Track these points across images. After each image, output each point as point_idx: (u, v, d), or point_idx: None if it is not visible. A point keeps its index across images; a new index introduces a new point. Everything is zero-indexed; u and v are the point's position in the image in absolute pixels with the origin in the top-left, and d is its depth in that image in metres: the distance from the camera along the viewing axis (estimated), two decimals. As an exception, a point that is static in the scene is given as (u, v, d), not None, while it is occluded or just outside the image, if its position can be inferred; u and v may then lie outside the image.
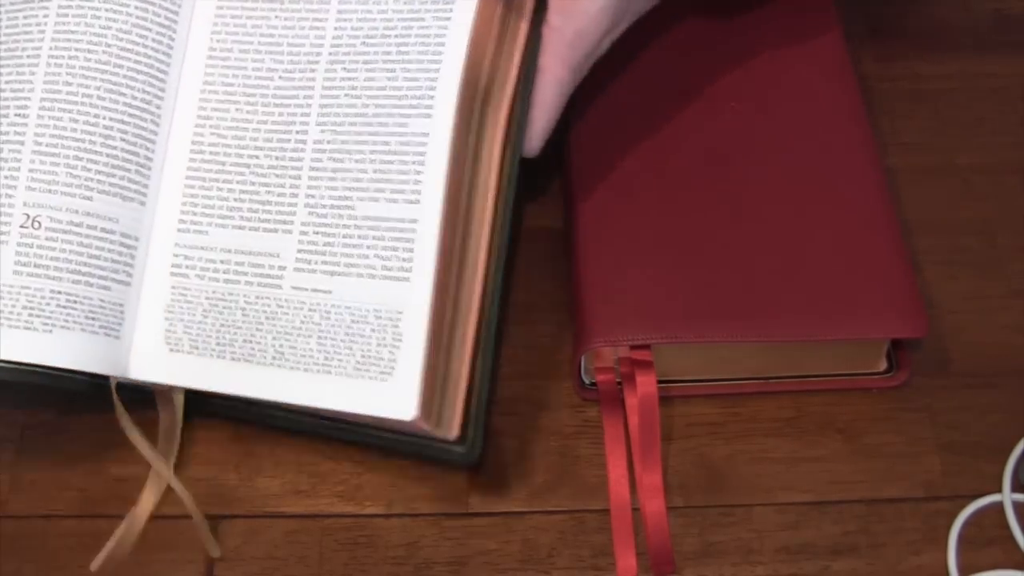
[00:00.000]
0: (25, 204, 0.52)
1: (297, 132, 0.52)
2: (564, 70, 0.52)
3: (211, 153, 0.53)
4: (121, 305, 0.52)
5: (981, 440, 0.54)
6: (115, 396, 0.51)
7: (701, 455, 0.54)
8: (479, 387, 0.50)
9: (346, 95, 0.52)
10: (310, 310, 0.50)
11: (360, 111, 0.51)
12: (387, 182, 0.50)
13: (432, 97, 0.50)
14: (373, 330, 0.49)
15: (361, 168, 0.51)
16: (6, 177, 0.52)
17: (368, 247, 0.50)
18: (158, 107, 0.54)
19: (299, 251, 0.51)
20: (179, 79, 0.54)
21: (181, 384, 0.52)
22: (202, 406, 0.53)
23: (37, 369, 0.51)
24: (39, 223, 0.51)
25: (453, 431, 0.50)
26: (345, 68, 0.52)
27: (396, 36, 0.51)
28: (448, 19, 0.51)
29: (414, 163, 0.50)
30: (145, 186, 0.53)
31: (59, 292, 0.51)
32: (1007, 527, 0.52)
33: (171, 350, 0.52)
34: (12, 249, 0.51)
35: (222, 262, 0.52)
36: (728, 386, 0.55)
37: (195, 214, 0.53)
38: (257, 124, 0.53)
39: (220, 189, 0.53)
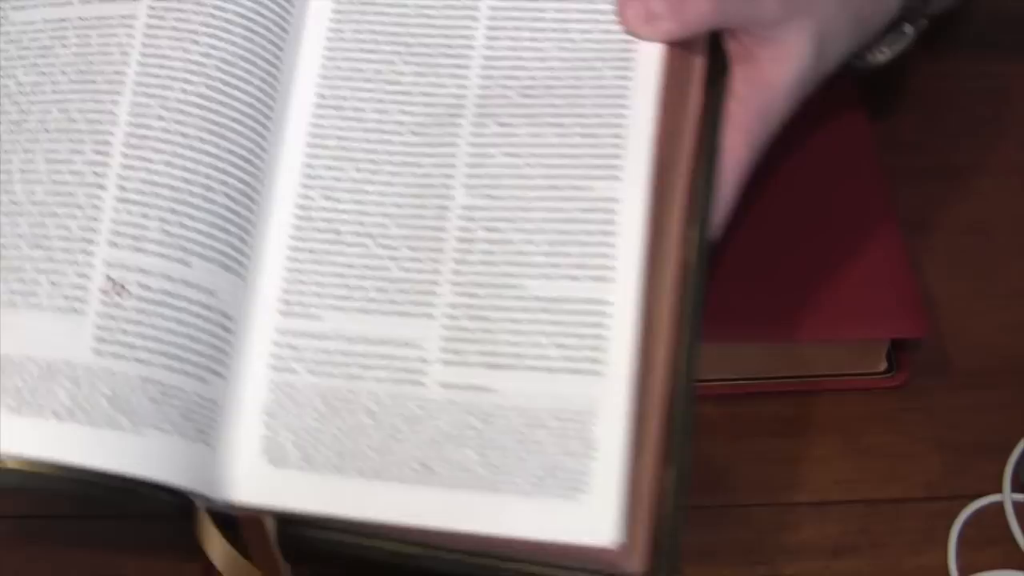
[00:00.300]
0: (107, 263, 0.41)
1: (437, 197, 0.44)
2: (745, 150, 0.46)
3: (323, 220, 0.44)
4: (215, 403, 0.42)
5: (981, 440, 0.54)
6: (205, 521, 0.42)
7: (701, 455, 0.54)
8: (671, 503, 0.42)
9: (503, 154, 0.44)
10: (465, 412, 0.41)
11: (523, 172, 0.43)
12: (564, 256, 0.42)
13: (619, 156, 0.43)
14: (554, 436, 0.40)
15: (528, 239, 0.43)
16: (82, 227, 0.42)
17: (542, 334, 0.41)
18: (262, 159, 0.45)
19: (446, 340, 0.42)
20: (282, 128, 0.45)
21: (291, 508, 0.42)
22: (297, 541, 0.43)
23: (114, 481, 0.40)
24: (126, 290, 0.41)
25: (639, 562, 0.40)
26: (500, 123, 0.44)
27: (564, 89, 0.44)
28: (629, 71, 0.44)
29: (600, 233, 0.42)
30: (247, 256, 0.44)
31: (151, 381, 0.41)
32: (1007, 527, 0.52)
33: (273, 464, 0.42)
34: (91, 321, 0.41)
35: (341, 353, 0.43)
36: (728, 386, 0.55)
37: (303, 293, 0.43)
38: (382, 186, 0.44)
39: (335, 264, 0.44)
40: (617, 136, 0.43)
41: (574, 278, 0.42)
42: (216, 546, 0.42)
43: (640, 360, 0.41)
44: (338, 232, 0.44)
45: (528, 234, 0.43)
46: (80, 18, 0.45)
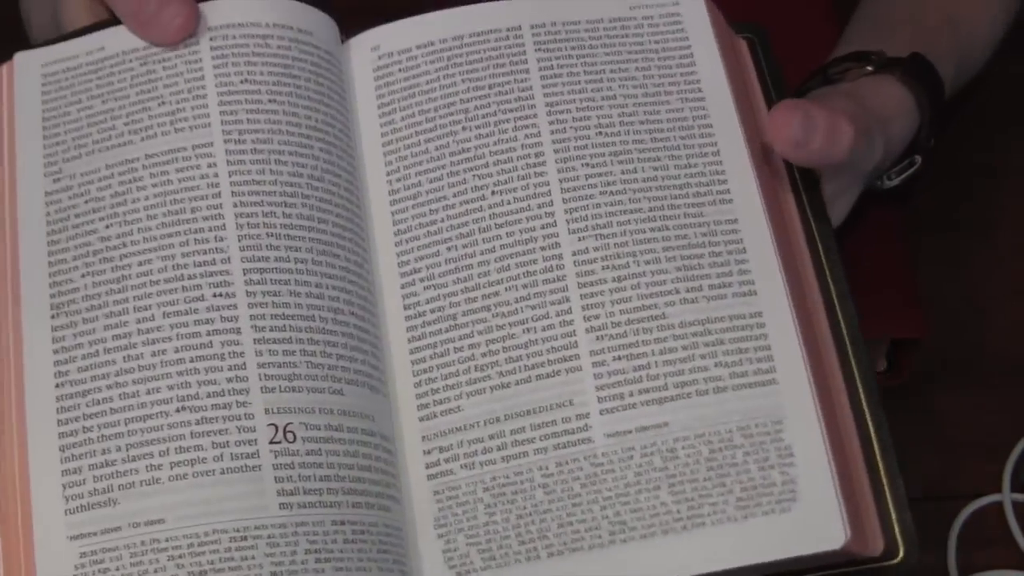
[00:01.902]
0: (268, 412, 0.39)
1: (543, 249, 0.42)
2: None
3: (432, 311, 0.42)
4: (400, 530, 0.41)
5: (981, 440, 0.54)
6: None
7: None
8: (888, 480, 0.41)
9: (601, 193, 0.43)
10: (644, 455, 0.40)
11: (629, 207, 0.42)
12: (702, 278, 0.41)
13: (724, 181, 0.43)
14: (747, 454, 0.39)
15: (658, 270, 0.42)
16: (230, 378, 0.39)
17: (702, 357, 0.41)
18: (366, 269, 0.43)
19: (600, 388, 0.41)
20: (368, 234, 0.44)
21: None
22: None
23: None
24: (292, 434, 0.39)
25: (876, 545, 0.40)
26: (586, 164, 0.43)
27: (640, 124, 0.44)
28: (701, 98, 0.45)
29: (729, 252, 0.42)
30: (382, 371, 0.42)
31: (341, 522, 0.39)
32: (1007, 527, 0.52)
33: (460, 575, 0.40)
34: (269, 475, 0.38)
35: (491, 438, 0.41)
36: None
37: (435, 391, 0.42)
38: (482, 256, 0.42)
39: (459, 349, 0.42)
40: (715, 163, 0.43)
41: (720, 297, 0.41)
42: None
43: (810, 357, 0.41)
44: (452, 318, 0.42)
45: (656, 264, 0.42)
46: (147, 155, 0.42)
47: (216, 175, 0.41)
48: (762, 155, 0.44)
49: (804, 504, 0.39)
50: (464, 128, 0.44)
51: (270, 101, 0.43)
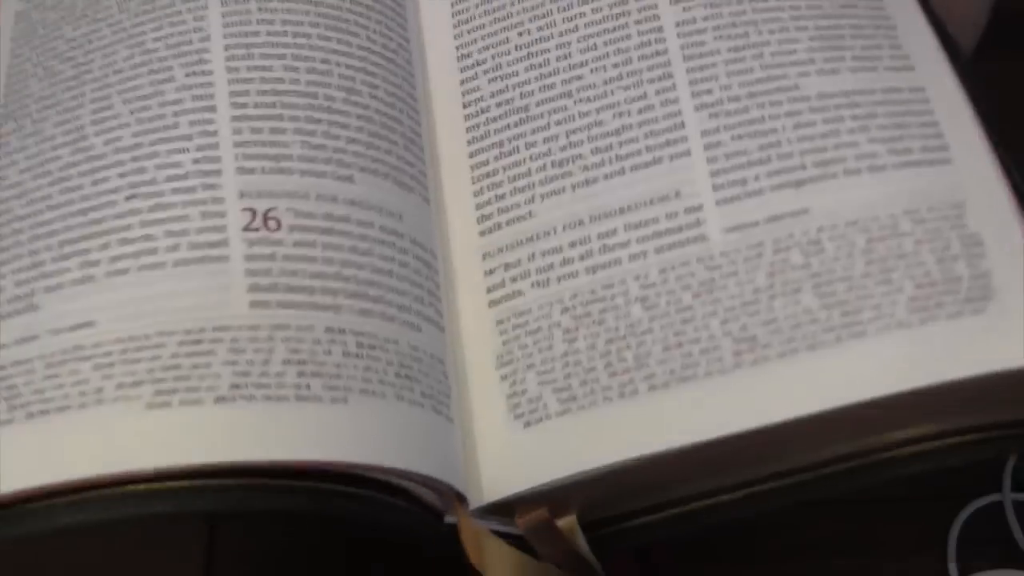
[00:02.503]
0: (243, 195, 0.33)
1: (638, 23, 0.36)
2: None
3: (498, 105, 0.36)
4: (436, 358, 0.33)
5: (981, 440, 0.54)
6: (473, 528, 0.30)
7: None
8: None
9: None
10: (778, 252, 0.32)
11: None
12: (843, 49, 0.35)
13: None
14: (918, 242, 0.32)
15: (786, 38, 0.35)
16: (197, 160, 0.34)
17: (851, 132, 0.33)
18: (404, 55, 0.37)
19: (716, 174, 0.33)
20: (412, 16, 0.38)
21: (579, 474, 0.31)
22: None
23: (336, 492, 0.29)
24: (276, 221, 0.32)
25: None
26: None
27: None
28: None
29: (877, 27, 0.36)
30: (423, 173, 0.36)
31: (341, 330, 0.31)
32: (1007, 527, 0.52)
33: (529, 427, 0.32)
34: (239, 268, 0.32)
35: (573, 246, 0.34)
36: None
37: (501, 197, 0.35)
38: (560, 38, 0.36)
39: (531, 145, 0.35)
40: None
41: (867, 70, 0.34)
42: (497, 556, 0.29)
43: (988, 135, 0.35)
44: (523, 109, 0.36)
45: (784, 33, 0.35)
46: None
47: None
48: None
49: (1000, 305, 0.31)
50: None
51: None
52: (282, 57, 0.35)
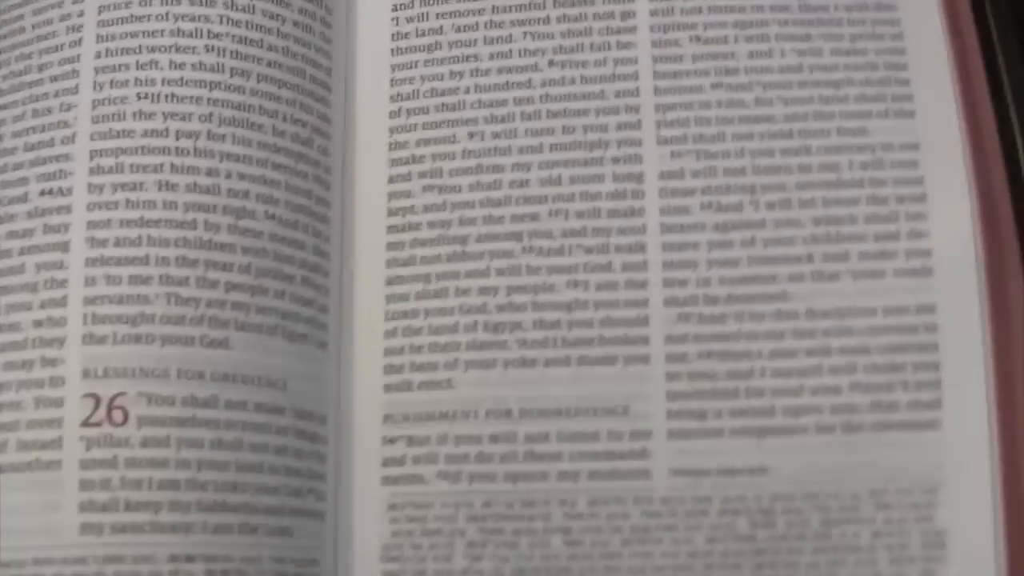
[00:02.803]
0: (87, 375, 0.26)
1: (616, 177, 0.29)
2: None
3: (429, 221, 0.29)
4: (316, 563, 0.27)
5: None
6: None
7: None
8: None
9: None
10: (725, 513, 0.27)
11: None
12: (847, 240, 0.28)
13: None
14: (875, 535, 0.28)
15: (786, 218, 0.28)
16: (39, 321, 0.26)
17: (834, 371, 0.28)
18: (325, 136, 0.29)
19: (673, 396, 0.28)
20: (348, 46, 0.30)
21: None
22: None
23: None
24: (123, 411, 0.25)
25: None
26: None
27: None
28: None
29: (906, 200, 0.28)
30: (325, 307, 0.28)
31: (188, 558, 0.25)
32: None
33: None
34: (74, 476, 0.25)
35: (495, 439, 0.27)
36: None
37: (416, 347, 0.28)
38: (521, 148, 0.29)
39: (463, 291, 0.28)
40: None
41: (874, 275, 0.28)
42: None
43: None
44: (462, 241, 0.29)
45: (788, 210, 0.28)
46: None
47: (82, 22, 0.29)
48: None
49: None
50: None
51: None
52: (158, 169, 0.26)
